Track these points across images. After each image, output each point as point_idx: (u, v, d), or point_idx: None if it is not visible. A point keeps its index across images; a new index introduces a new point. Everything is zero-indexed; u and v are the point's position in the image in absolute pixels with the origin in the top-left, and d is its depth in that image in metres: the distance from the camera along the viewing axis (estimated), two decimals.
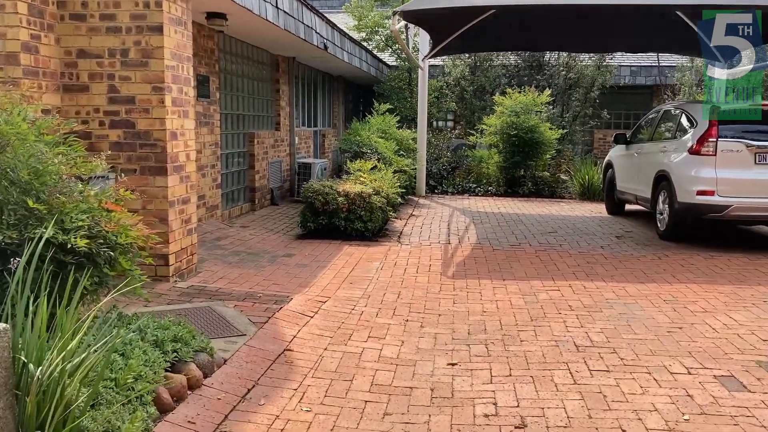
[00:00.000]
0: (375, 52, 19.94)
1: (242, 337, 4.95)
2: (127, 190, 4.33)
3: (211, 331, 5.01)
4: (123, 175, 5.88)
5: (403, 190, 11.48)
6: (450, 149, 17.35)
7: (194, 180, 6.76)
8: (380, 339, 5.24)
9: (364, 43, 19.11)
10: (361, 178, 9.96)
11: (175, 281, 6.35)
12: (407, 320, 5.73)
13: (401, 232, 9.90)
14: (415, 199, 14.24)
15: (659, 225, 9.74)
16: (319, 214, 9.21)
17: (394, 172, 11.76)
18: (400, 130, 14.16)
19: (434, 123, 22.00)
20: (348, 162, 10.90)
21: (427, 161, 15.30)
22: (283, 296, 6.05)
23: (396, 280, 7.09)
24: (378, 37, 20.89)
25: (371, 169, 10.44)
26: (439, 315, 5.90)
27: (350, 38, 14.57)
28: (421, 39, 14.96)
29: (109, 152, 5.94)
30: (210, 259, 7.50)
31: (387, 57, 21.13)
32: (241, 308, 5.60)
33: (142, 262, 4.34)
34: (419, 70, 14.92)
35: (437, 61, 20.54)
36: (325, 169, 13.93)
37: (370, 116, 13.59)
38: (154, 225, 6.15)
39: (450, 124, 22.67)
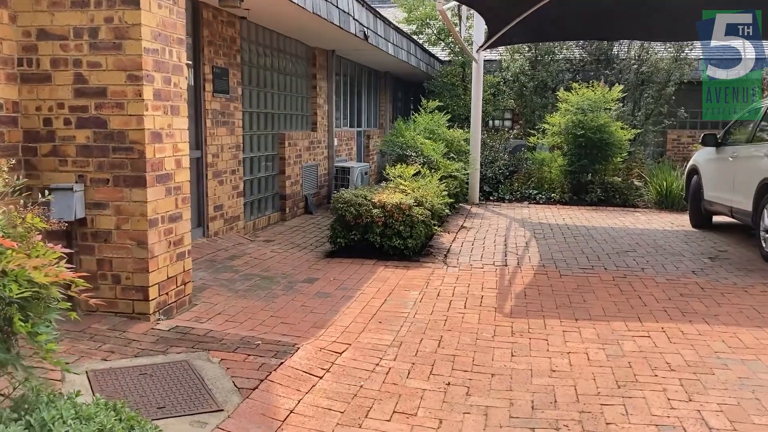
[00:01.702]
0: (426, 46, 18.49)
1: (217, 414, 3.59)
2: (36, 217, 2.97)
3: (178, 402, 3.67)
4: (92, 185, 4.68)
5: (452, 200, 10.00)
6: (507, 151, 15.74)
7: (187, 192, 5.46)
8: (410, 416, 3.81)
9: (415, 37, 17.68)
10: (402, 186, 8.54)
11: (158, 320, 5.05)
12: (449, 383, 4.28)
13: (448, 250, 8.42)
14: (467, 207, 12.72)
15: (764, 244, 7.98)
16: (351, 229, 7.83)
17: (442, 177, 10.30)
18: (451, 130, 12.68)
19: (490, 122, 20.42)
20: (387, 167, 9.48)
21: (481, 164, 13.77)
22: (289, 344, 4.68)
23: (438, 317, 5.63)
24: (429, 30, 19.43)
25: (414, 175, 9.01)
26: (492, 375, 4.42)
27: (396, 28, 13.16)
28: (476, 29, 13.44)
29: (77, 157, 4.72)
30: (213, 286, 6.20)
31: (439, 52, 19.66)
32: (229, 364, 4.25)
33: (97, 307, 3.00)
34: (473, 63, 13.40)
35: (494, 55, 18.96)
36: (366, 173, 12.55)
37: (417, 115, 12.15)
38: (131, 250, 4.88)
39: (507, 123, 21.03)
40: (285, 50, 10.56)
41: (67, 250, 2.94)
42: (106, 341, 4.54)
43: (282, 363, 4.30)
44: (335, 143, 12.69)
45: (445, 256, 8.08)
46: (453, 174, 11.00)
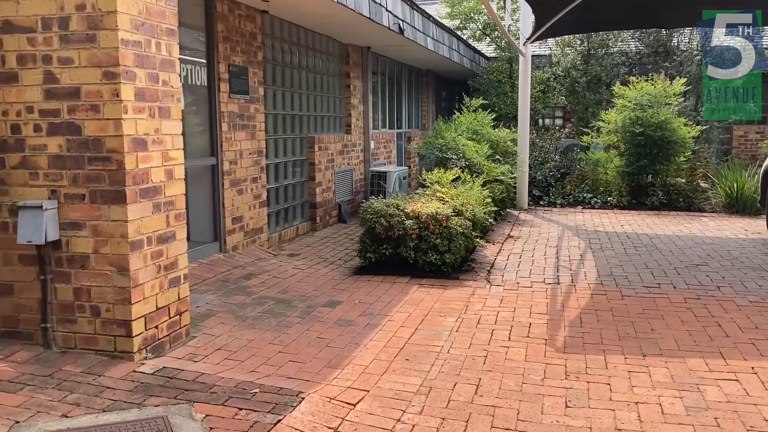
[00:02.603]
0: (471, 42, 17.54)
1: None
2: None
3: None
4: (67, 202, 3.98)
5: (496, 208, 9.07)
6: (558, 151, 14.66)
7: (181, 207, 4.71)
8: None
9: (458, 33, 16.75)
10: (439, 194, 7.66)
11: (145, 358, 4.31)
12: None
13: (492, 264, 7.50)
14: (515, 213, 11.74)
15: None
16: (382, 242, 6.99)
17: (486, 182, 9.38)
18: (496, 130, 11.71)
19: (540, 121, 19.34)
20: (423, 172, 8.61)
21: (529, 166, 12.77)
22: (292, 392, 3.86)
23: (477, 352, 4.74)
24: (474, 25, 18.46)
25: (453, 180, 8.11)
26: None
27: (436, 22, 12.27)
28: (522, 20, 12.46)
29: (49, 169, 4.01)
30: (220, 313, 5.44)
31: (484, 48, 18.67)
32: (215, 422, 3.46)
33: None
34: (520, 58, 12.41)
35: (543, 49, 17.90)
36: (404, 178, 11.70)
37: (459, 114, 11.24)
38: (111, 277, 4.14)
39: (558, 121, 19.90)
40: (315, 47, 9.79)
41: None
42: (75, 389, 3.81)
43: (279, 421, 3.49)
44: (372, 146, 11.88)
45: (489, 272, 7.16)
46: (498, 178, 10.05)
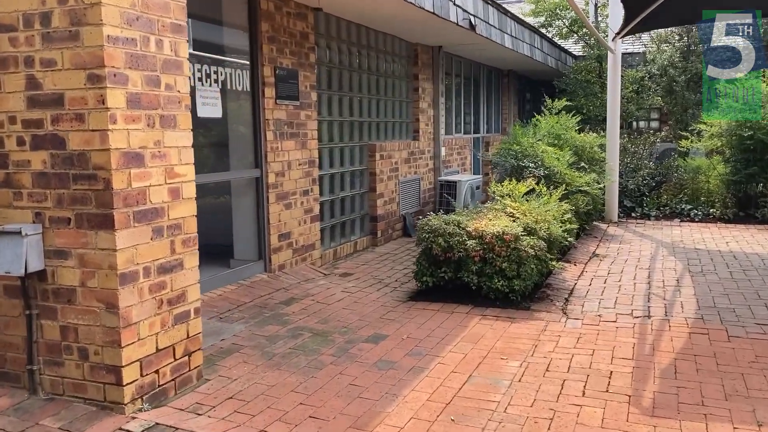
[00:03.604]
0: (556, 40, 16.37)
1: None
2: None
3: None
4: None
5: (578, 225, 8.03)
6: (653, 157, 13.30)
7: (191, 231, 4.06)
8: None
9: (543, 30, 15.65)
10: (510, 209, 6.73)
11: (139, 409, 3.67)
12: None
13: (571, 291, 6.50)
14: (603, 227, 10.58)
15: None
16: (440, 264, 6.16)
17: (568, 193, 8.35)
18: (582, 135, 10.60)
19: (634, 123, 17.87)
20: (493, 183, 7.68)
21: (620, 174, 11.55)
22: None
23: (540, 413, 3.84)
24: (559, 22, 17.26)
25: (526, 193, 7.15)
26: None
27: (515, 18, 11.28)
28: (612, 14, 11.30)
29: (33, 188, 3.44)
30: (245, 348, 4.77)
31: (571, 46, 17.44)
32: None
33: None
34: (609, 55, 11.24)
35: (636, 46, 16.50)
36: (478, 188, 10.77)
37: (539, 117, 10.22)
38: (99, 315, 3.52)
39: (654, 124, 18.36)
40: (378, 47, 9.07)
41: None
42: None
43: None
44: (443, 153, 11.04)
45: (566, 301, 6.18)
46: (583, 189, 8.98)
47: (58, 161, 3.57)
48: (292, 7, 6.86)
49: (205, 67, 5.82)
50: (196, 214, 4.10)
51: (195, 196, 4.10)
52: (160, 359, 3.83)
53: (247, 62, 6.39)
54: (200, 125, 6.60)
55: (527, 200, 6.95)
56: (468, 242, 6.01)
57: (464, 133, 12.73)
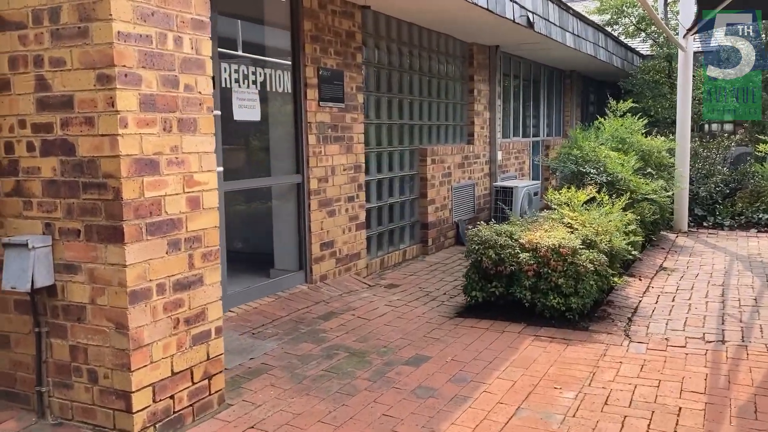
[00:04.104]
0: (622, 38, 15.59)
1: None
2: None
3: None
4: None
5: (643, 236, 7.42)
6: (727, 162, 12.41)
7: (212, 243, 3.74)
8: None
9: (609, 29, 14.91)
10: (568, 219, 6.21)
11: None
12: None
13: (635, 310, 5.94)
14: (671, 237, 9.87)
15: None
16: (491, 279, 5.71)
17: (633, 202, 7.76)
18: (648, 138, 9.92)
19: (706, 126, 16.85)
20: (549, 191, 7.16)
21: (690, 181, 10.79)
22: None
23: None
24: (626, 19, 16.45)
25: (587, 201, 6.61)
26: None
27: (578, 15, 10.67)
28: (683, 10, 10.57)
29: (43, 197, 3.20)
30: (275, 369, 4.44)
31: (638, 44, 16.60)
32: None
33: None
34: (679, 54, 10.51)
35: (710, 42, 15.49)
36: (536, 194, 10.21)
37: (601, 120, 9.60)
38: (109, 335, 3.24)
39: (728, 127, 17.29)
40: (430, 47, 8.66)
41: None
42: None
43: None
44: (499, 157, 10.53)
45: (629, 321, 5.63)
46: (649, 196, 8.34)
47: (68, 168, 3.32)
48: (337, 5, 6.53)
49: (243, 68, 5.54)
50: (217, 225, 3.78)
51: (218, 205, 3.78)
52: (176, 383, 3.53)
53: (289, 62, 6.10)
54: (237, 129, 6.37)
55: (587, 209, 6.42)
56: (521, 255, 5.54)
57: (523, 137, 12.17)
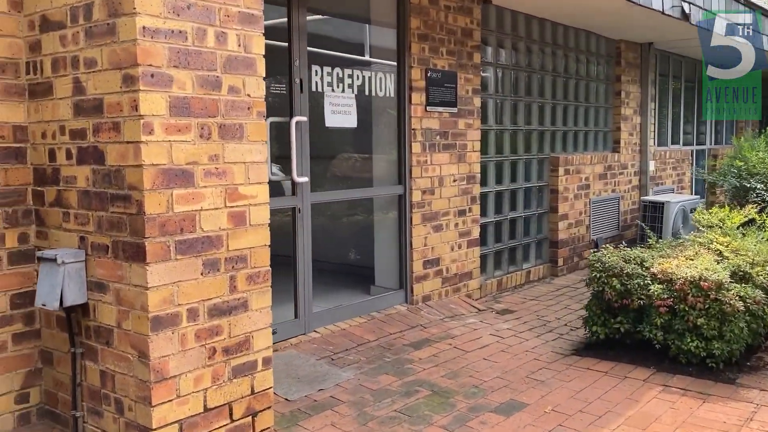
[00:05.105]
0: None
1: None
2: None
3: None
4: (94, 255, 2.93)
5: None
6: None
7: (261, 263, 3.33)
8: None
9: None
10: (717, 245, 5.16)
11: None
12: None
13: None
14: None
15: None
16: (615, 313, 4.85)
17: None
18: None
19: None
20: (698, 210, 6.05)
21: None
22: None
23: None
24: None
25: (744, 224, 5.48)
26: None
27: (748, 3, 9.20)
28: None
29: (78, 209, 2.98)
30: (342, 404, 3.95)
31: None
32: None
33: None
34: None
35: None
36: (692, 210, 8.90)
37: None
38: (132, 364, 2.94)
39: None
40: (566, 45, 7.80)
41: None
42: None
43: None
44: (651, 168, 9.35)
45: None
46: None
47: (98, 178, 3.05)
48: (452, 0, 5.95)
49: (337, 70, 5.13)
50: (268, 243, 3.36)
51: (268, 221, 3.37)
52: (210, 421, 3.14)
53: (392, 63, 5.61)
54: (330, 136, 5.99)
55: (743, 234, 5.31)
56: (652, 287, 4.63)
57: (683, 145, 10.79)
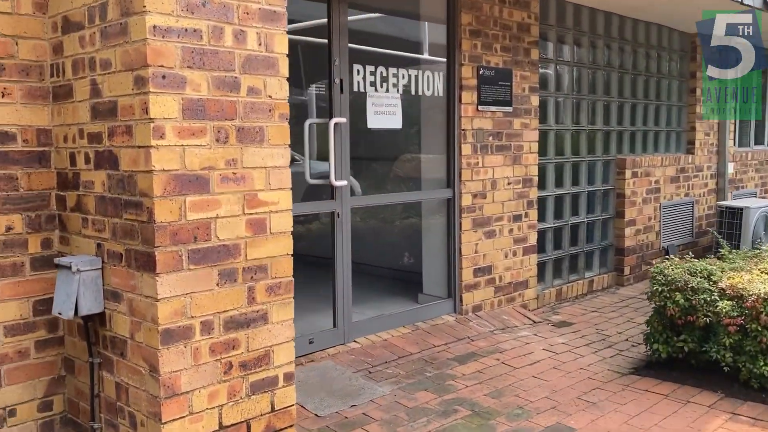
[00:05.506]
0: None
1: None
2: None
3: None
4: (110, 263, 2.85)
5: None
6: None
7: (283, 274, 3.16)
8: None
9: None
10: None
11: None
12: None
13: None
14: None
15: None
16: (678, 330, 4.45)
17: None
18: None
19: None
20: None
21: None
22: None
23: None
24: None
25: None
26: None
27: None
28: None
29: (95, 215, 2.90)
30: (373, 423, 3.73)
31: None
32: None
33: None
34: None
35: None
36: None
37: None
38: (144, 378, 2.82)
39: None
40: (635, 40, 7.33)
41: None
42: None
43: None
44: (730, 170, 8.71)
45: None
46: None
47: (113, 184, 2.95)
48: None
49: (381, 69, 4.91)
50: (291, 252, 3.18)
51: (291, 229, 3.19)
52: None
53: (441, 60, 5.35)
54: (374, 138, 5.80)
55: None
56: (719, 304, 4.21)
57: (766, 145, 10.05)
